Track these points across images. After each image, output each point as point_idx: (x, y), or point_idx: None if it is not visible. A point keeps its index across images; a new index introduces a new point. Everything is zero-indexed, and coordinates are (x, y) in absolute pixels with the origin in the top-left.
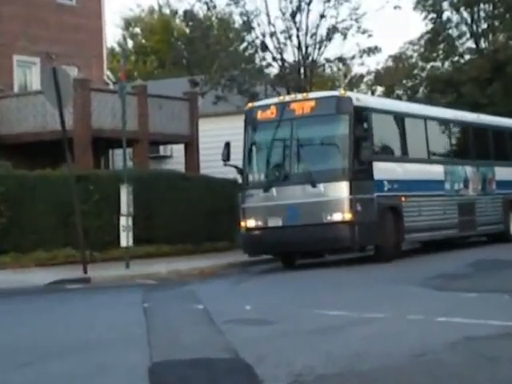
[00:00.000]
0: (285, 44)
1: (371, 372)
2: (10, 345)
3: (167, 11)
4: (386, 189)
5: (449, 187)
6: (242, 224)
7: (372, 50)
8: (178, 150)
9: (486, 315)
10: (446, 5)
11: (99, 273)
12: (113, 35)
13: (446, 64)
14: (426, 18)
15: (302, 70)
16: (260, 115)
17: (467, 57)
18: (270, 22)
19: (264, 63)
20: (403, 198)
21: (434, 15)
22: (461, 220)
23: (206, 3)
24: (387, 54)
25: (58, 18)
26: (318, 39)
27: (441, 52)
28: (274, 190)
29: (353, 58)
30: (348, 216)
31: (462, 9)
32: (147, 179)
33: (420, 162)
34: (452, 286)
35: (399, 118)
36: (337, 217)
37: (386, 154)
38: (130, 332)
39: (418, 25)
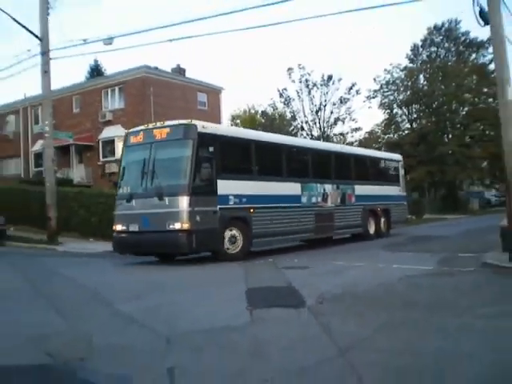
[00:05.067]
0: (313, 127)
1: (359, 292)
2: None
3: (253, 111)
4: (231, 202)
5: (305, 200)
6: (114, 227)
7: (357, 129)
8: None
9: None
10: (395, 105)
11: None
12: (226, 124)
13: (395, 135)
14: (384, 112)
15: (322, 140)
16: (132, 139)
17: (406, 131)
18: (305, 115)
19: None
20: (251, 210)
21: (388, 110)
22: (317, 225)
23: (272, 107)
24: (365, 131)
25: (197, 117)
26: (330, 123)
27: (392, 129)
28: (133, 201)
29: (347, 133)
30: (186, 225)
31: (403, 107)
32: None
33: (268, 180)
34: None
35: (245, 143)
36: (177, 225)
37: (231, 173)
38: (237, 275)
39: (380, 115)
